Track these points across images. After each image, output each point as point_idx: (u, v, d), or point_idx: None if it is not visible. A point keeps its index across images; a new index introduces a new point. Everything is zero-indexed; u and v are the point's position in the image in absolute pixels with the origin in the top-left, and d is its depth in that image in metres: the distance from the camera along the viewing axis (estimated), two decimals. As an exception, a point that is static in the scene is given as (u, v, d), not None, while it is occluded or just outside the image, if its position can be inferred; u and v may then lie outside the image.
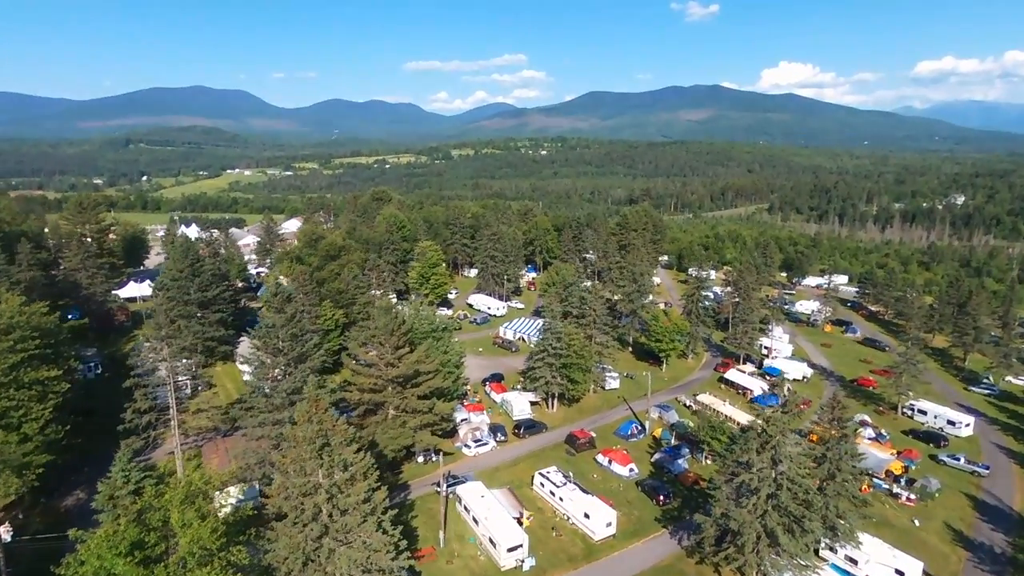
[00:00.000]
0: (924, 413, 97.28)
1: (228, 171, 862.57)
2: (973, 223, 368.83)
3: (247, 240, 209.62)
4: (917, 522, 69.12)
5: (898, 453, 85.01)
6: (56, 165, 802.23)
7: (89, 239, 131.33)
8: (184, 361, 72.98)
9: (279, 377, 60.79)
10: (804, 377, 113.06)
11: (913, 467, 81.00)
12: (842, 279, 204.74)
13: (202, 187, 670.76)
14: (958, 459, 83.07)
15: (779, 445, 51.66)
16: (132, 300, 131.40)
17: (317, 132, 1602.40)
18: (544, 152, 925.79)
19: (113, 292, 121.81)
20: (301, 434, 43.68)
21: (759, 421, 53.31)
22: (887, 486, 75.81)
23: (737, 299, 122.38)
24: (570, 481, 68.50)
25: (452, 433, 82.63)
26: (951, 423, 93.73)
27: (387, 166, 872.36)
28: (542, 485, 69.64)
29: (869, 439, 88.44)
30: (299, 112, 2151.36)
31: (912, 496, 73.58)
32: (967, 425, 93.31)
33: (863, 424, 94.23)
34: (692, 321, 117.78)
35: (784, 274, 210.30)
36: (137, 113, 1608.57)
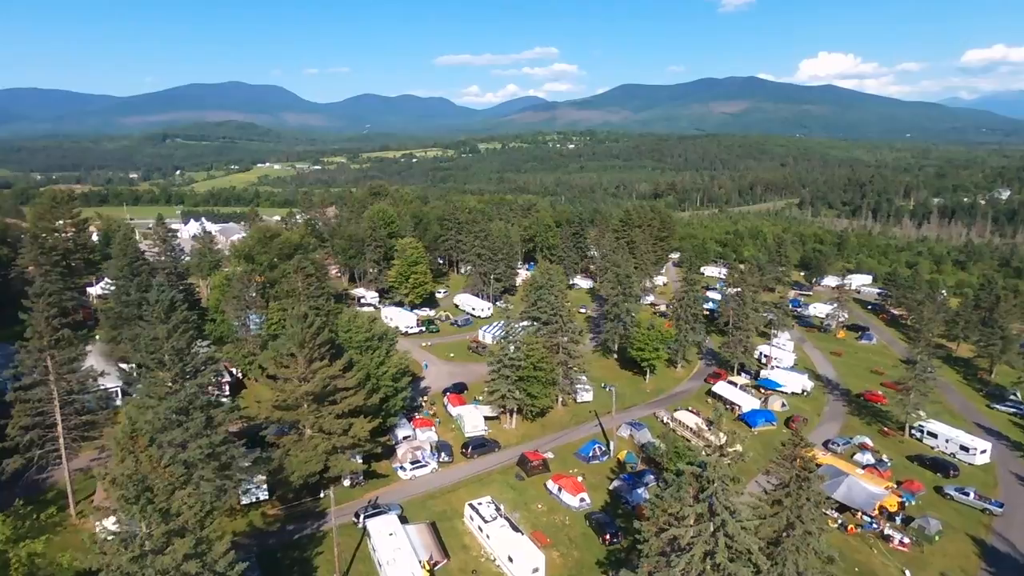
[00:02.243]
0: (934, 436, 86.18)
1: (258, 165, 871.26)
2: (1018, 219, 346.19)
3: (239, 236, 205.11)
4: (908, 573, 59.06)
5: (897, 484, 74.56)
6: (96, 160, 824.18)
7: (66, 234, 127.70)
8: (101, 371, 66.76)
9: (164, 396, 54.00)
10: (804, 391, 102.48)
11: (911, 502, 70.61)
12: (865, 279, 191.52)
13: (232, 181, 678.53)
14: (967, 493, 72.30)
15: (718, 494, 42.67)
16: (105, 299, 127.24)
17: (349, 127, 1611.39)
18: (572, 146, 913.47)
19: (88, 290, 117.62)
20: (113, 475, 36.50)
21: (700, 461, 44.28)
22: (878, 525, 65.73)
23: (737, 301, 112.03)
24: (500, 515, 60.30)
25: (393, 452, 75.51)
26: (964, 448, 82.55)
27: (414, 160, 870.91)
28: (471, 518, 61.68)
29: (866, 466, 78.11)
30: (332, 107, 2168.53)
31: (906, 539, 63.41)
32: (983, 451, 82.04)
33: (862, 448, 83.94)
34: (680, 326, 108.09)
35: (802, 273, 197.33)
36: (176, 109, 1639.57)
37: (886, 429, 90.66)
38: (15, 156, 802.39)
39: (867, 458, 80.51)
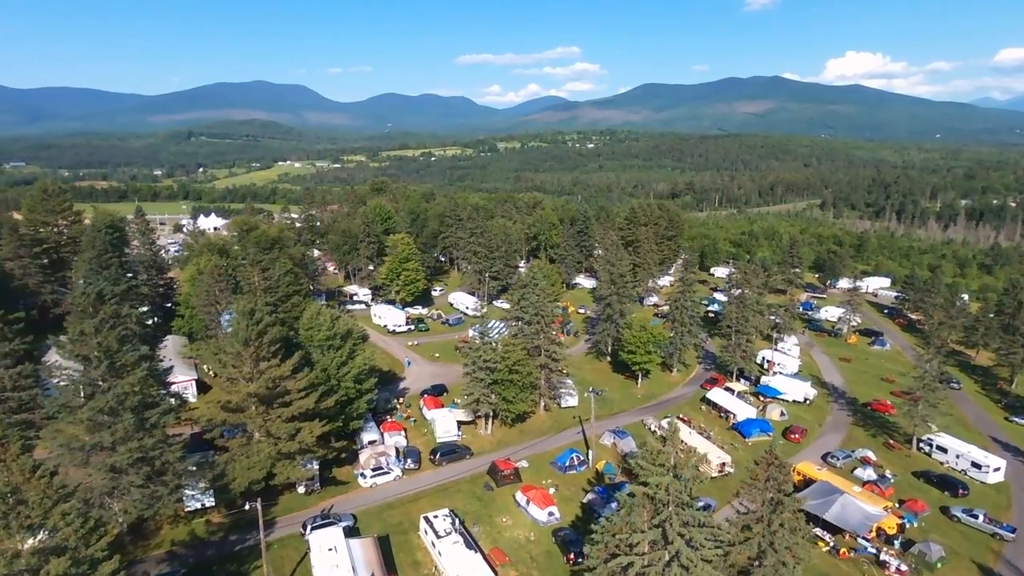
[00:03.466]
0: (944, 451, 79.76)
1: (279, 163, 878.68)
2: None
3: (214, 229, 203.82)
4: (903, 604, 53.44)
5: (899, 503, 68.60)
6: (123, 157, 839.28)
7: (57, 227, 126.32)
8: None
9: (90, 395, 50.51)
10: (806, 399, 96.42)
11: (913, 524, 64.68)
12: (883, 282, 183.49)
13: (252, 178, 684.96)
14: (976, 516, 66.02)
15: (672, 519, 37.81)
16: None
17: (371, 126, 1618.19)
18: (591, 145, 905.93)
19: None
20: (-19, 488, 32.76)
21: (653, 483, 39.26)
22: (875, 549, 59.96)
23: (737, 303, 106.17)
24: (456, 530, 55.77)
25: (356, 458, 71.52)
26: (976, 465, 76.07)
27: (432, 159, 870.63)
28: (425, 532, 57.28)
29: (866, 483, 72.21)
30: (354, 106, 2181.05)
31: (904, 566, 57.60)
32: (996, 469, 75.47)
33: (864, 462, 78.00)
34: (676, 328, 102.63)
35: (816, 275, 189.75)
36: (202, 107, 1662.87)
37: (892, 442, 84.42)
38: (45, 153, 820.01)
39: (868, 473, 74.57)
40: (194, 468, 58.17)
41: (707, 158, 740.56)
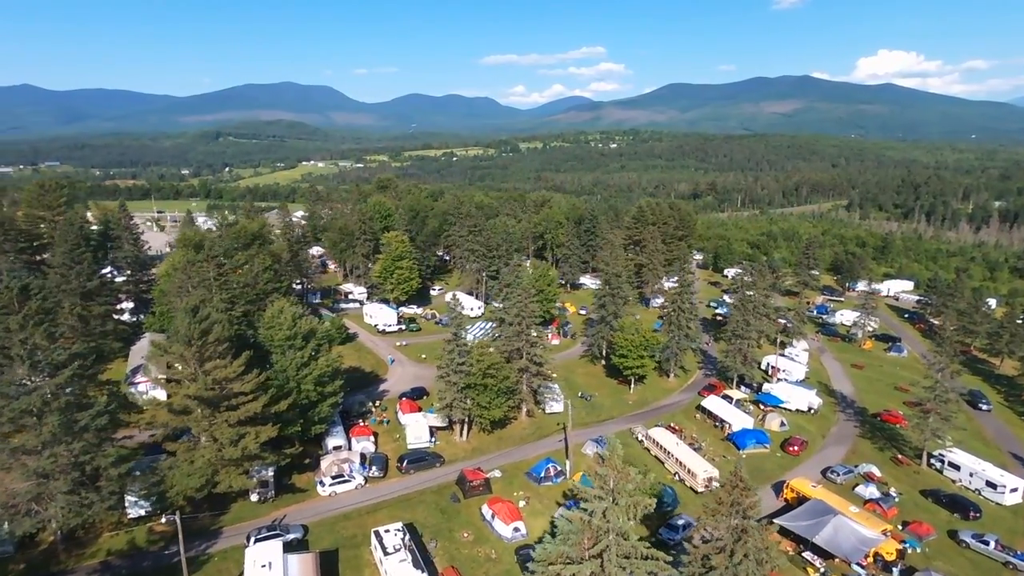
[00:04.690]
0: (956, 468, 73.49)
1: (303, 163, 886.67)
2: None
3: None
4: (896, 642, 48.00)
5: (902, 525, 62.82)
6: (153, 157, 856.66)
7: (55, 223, 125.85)
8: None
9: (17, 395, 47.57)
10: (811, 408, 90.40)
11: (915, 549, 58.92)
12: (906, 285, 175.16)
13: (276, 178, 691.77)
14: (987, 542, 59.93)
15: (610, 550, 33.25)
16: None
17: (396, 126, 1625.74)
18: (614, 145, 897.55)
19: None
20: None
21: (589, 509, 34.73)
22: (870, 577, 54.54)
23: (739, 305, 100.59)
24: (405, 547, 51.68)
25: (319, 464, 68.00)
26: (991, 485, 69.78)
27: (454, 159, 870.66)
28: (375, 548, 53.33)
29: (867, 501, 66.53)
30: (379, 107, 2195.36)
31: (901, 598, 52.16)
32: (1014, 490, 69.08)
33: (867, 478, 72.15)
34: (673, 332, 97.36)
35: (835, 277, 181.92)
36: (231, 108, 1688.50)
37: (900, 457, 78.31)
38: (79, 153, 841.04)
39: (871, 491, 68.72)
40: (138, 474, 55.35)
41: (731, 158, 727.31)
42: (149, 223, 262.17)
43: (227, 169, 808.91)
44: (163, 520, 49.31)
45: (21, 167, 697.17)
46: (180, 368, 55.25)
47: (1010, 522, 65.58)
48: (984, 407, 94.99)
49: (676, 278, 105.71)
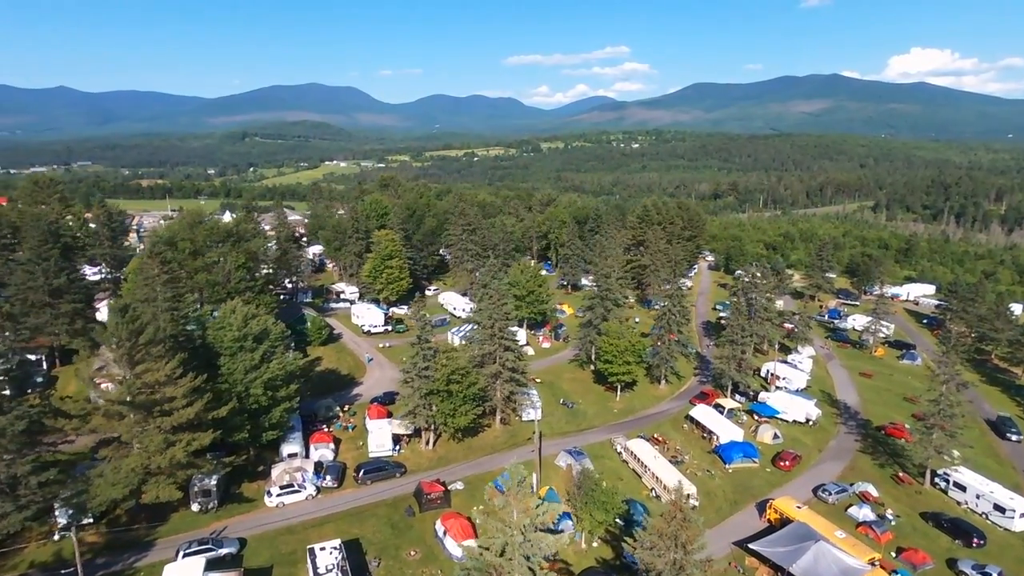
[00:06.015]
0: (962, 488, 67.53)
1: (326, 163, 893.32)
2: None
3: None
4: None
5: (896, 553, 57.32)
6: (181, 157, 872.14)
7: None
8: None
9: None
10: (809, 419, 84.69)
11: (907, 582, 53.48)
12: (927, 289, 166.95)
13: (299, 177, 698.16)
14: (989, 574, 54.24)
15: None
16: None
17: (419, 126, 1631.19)
18: (636, 145, 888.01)
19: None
20: None
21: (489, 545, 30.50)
22: (853, 612, 49.27)
23: (735, 309, 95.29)
24: (339, 567, 47.85)
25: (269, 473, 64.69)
26: (999, 509, 63.78)
27: (475, 159, 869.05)
28: (309, 568, 49.60)
29: (860, 524, 61.10)
30: (403, 107, 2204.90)
31: (885, 637, 46.89)
32: (1024, 515, 63.07)
33: (862, 498, 66.59)
34: (663, 337, 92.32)
35: (851, 280, 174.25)
36: (258, 109, 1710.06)
37: (902, 475, 72.46)
38: (110, 153, 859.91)
39: (864, 513, 63.18)
40: (69, 481, 52.51)
41: (756, 158, 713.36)
42: (161, 221, 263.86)
43: (252, 169, 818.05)
44: (55, 537, 46.09)
45: (55, 167, 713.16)
46: (108, 372, 52.27)
47: (1018, 550, 59.66)
48: (1013, 437, 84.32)
49: (673, 282, 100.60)
